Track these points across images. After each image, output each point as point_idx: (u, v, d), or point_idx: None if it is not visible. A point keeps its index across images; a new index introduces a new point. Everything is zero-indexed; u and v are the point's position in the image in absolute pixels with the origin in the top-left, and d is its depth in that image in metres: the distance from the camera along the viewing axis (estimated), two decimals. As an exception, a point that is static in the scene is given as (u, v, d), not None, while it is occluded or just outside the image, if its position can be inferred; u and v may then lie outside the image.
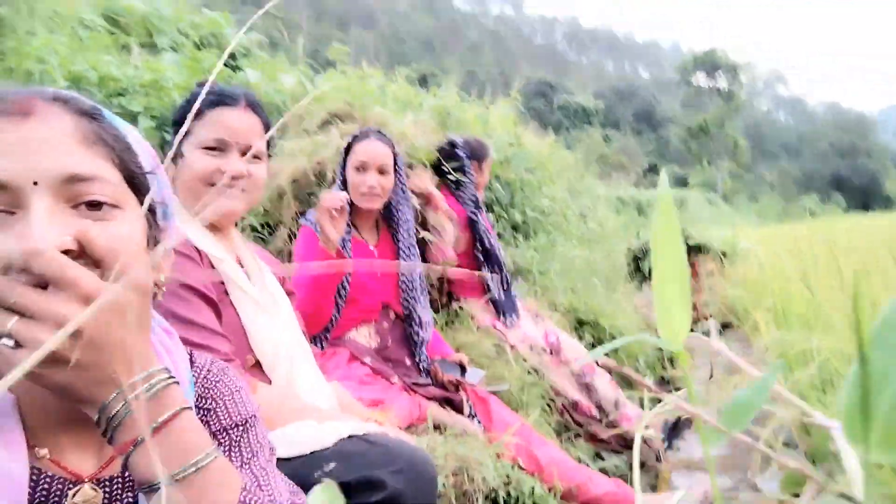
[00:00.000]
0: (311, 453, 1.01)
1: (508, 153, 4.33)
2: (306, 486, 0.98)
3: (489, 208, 3.67)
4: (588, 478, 1.88)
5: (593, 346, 3.36)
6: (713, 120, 51.72)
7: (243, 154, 1.27)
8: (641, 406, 3.24)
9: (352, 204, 2.00)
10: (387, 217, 2.13)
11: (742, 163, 54.31)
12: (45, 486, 0.58)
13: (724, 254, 5.11)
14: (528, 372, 2.49)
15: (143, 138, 0.68)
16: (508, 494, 1.71)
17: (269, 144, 1.36)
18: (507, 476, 1.73)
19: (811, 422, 0.29)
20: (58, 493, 0.59)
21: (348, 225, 1.98)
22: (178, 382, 0.57)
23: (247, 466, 0.72)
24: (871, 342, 0.21)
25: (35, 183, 0.54)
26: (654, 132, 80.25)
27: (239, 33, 0.60)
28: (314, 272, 1.81)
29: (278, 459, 0.97)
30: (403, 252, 2.07)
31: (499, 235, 3.46)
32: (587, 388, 2.65)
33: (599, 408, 2.62)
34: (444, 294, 2.82)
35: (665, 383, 3.86)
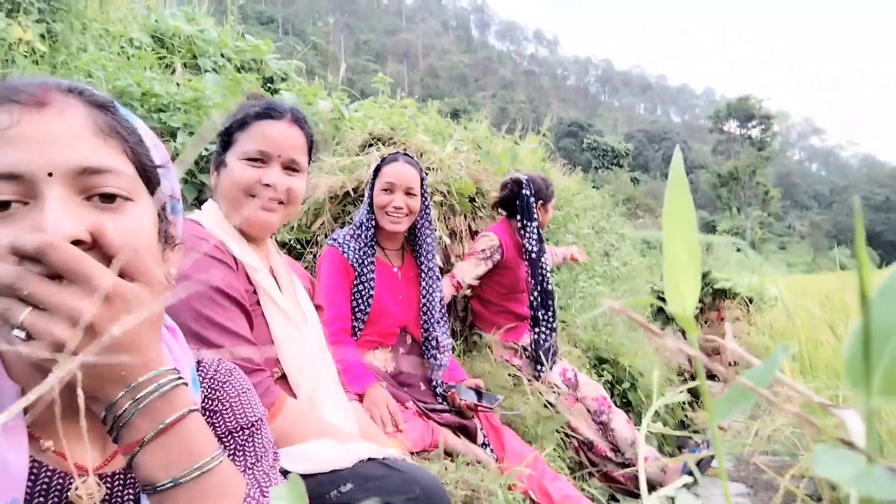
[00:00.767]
0: (329, 472, 1.01)
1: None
2: (321, 504, 0.98)
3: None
4: (600, 517, 1.84)
5: (612, 384, 3.30)
6: (744, 167, 51.35)
7: (285, 167, 1.28)
8: (659, 447, 3.17)
9: (377, 225, 2.02)
10: (411, 241, 2.15)
11: (772, 211, 53.61)
12: (46, 478, 0.58)
13: (750, 300, 5.02)
14: (544, 405, 2.46)
15: (179, 153, 0.69)
16: (518, 528, 1.68)
17: (310, 160, 1.38)
18: (518, 508, 1.70)
19: (819, 403, 0.29)
20: (59, 486, 0.58)
21: (373, 246, 2.00)
22: (186, 384, 0.56)
23: (250, 471, 0.71)
24: (877, 293, 0.22)
25: (50, 174, 0.54)
26: (683, 176, 79.60)
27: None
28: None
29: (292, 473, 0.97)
30: (425, 275, 2.08)
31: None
32: (603, 427, 2.60)
33: (615, 448, 2.57)
34: (467, 324, 2.82)
35: (686, 427, 3.77)
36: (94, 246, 0.53)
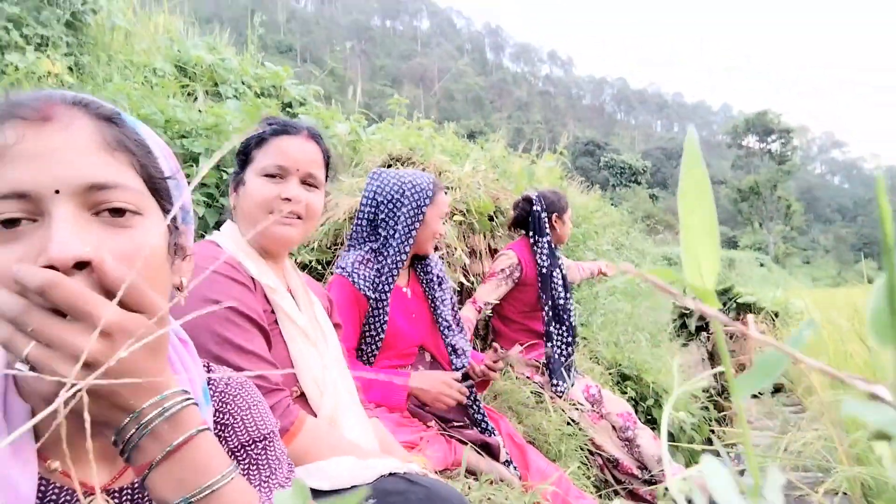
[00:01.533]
0: (350, 488, 1.00)
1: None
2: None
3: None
4: (627, 535, 1.81)
5: (636, 401, 3.26)
6: (765, 182, 50.81)
7: (303, 182, 1.29)
8: (687, 464, 3.10)
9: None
10: (416, 258, 2.14)
11: (795, 226, 52.85)
12: (54, 496, 0.59)
13: (776, 314, 4.93)
14: (568, 423, 2.43)
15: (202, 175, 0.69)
16: (543, 547, 1.65)
17: (327, 176, 1.39)
18: (543, 527, 1.68)
19: (847, 378, 0.29)
20: (66, 502, 0.59)
21: (398, 273, 1.95)
22: (196, 403, 0.56)
23: (266, 484, 0.71)
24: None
25: (56, 191, 0.53)
26: (702, 192, 78.99)
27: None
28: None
29: (315, 491, 0.97)
30: (430, 286, 2.06)
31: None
32: (629, 442, 2.57)
33: (641, 465, 2.53)
34: (488, 343, 2.81)
35: (710, 442, 3.69)
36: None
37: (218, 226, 2.34)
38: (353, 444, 1.20)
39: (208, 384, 0.75)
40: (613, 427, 2.61)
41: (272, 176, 1.27)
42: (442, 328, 2.02)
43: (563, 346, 2.62)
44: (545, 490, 1.76)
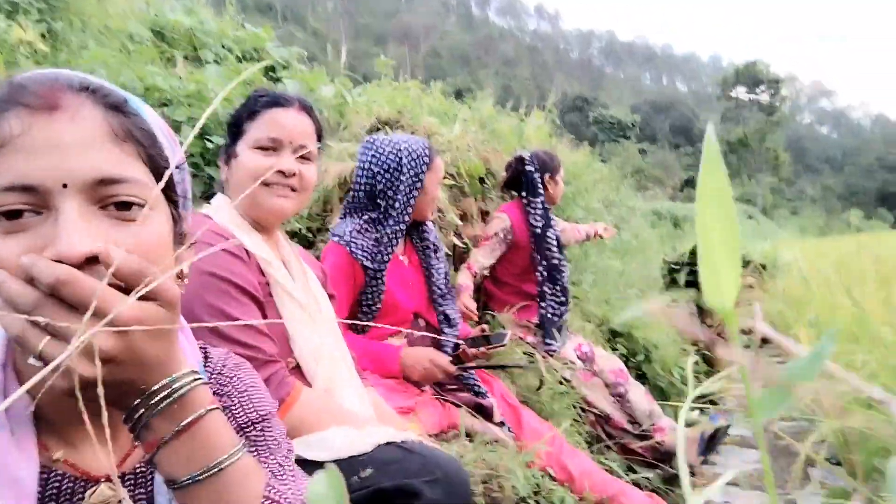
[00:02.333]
0: (348, 458, 1.02)
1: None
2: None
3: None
4: (620, 490, 1.85)
5: (626, 357, 3.31)
6: (754, 134, 50.73)
7: (296, 154, 1.29)
8: (676, 418, 3.18)
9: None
10: (413, 225, 2.12)
11: (783, 177, 53.03)
12: (56, 485, 0.59)
13: (763, 267, 4.98)
14: (560, 382, 2.47)
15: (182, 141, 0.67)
16: (538, 503, 1.70)
17: (319, 148, 1.40)
18: (538, 485, 1.72)
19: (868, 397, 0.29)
20: (69, 492, 0.60)
21: (398, 243, 1.94)
22: (206, 383, 0.57)
23: (264, 464, 0.72)
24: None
25: (64, 185, 0.52)
26: (691, 146, 78.99)
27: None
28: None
29: (314, 463, 0.99)
30: (426, 254, 2.06)
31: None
32: (620, 398, 2.62)
33: (632, 420, 2.59)
34: (480, 305, 2.83)
35: (701, 397, 3.77)
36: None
37: (204, 196, 2.31)
38: (350, 413, 1.22)
39: (205, 366, 0.75)
40: (606, 384, 2.66)
41: (265, 149, 1.27)
42: (435, 296, 2.02)
43: (557, 307, 2.65)
44: (539, 449, 1.80)
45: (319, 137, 1.37)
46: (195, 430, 0.54)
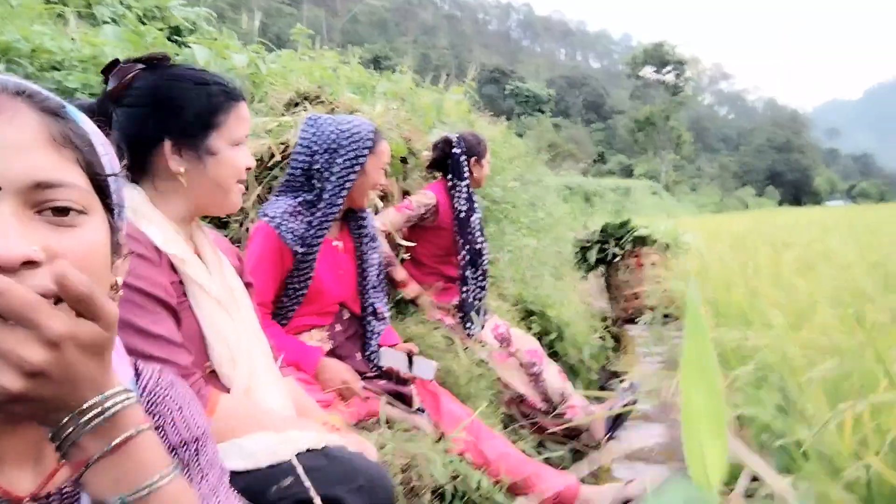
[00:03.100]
0: (269, 467, 0.98)
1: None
2: (262, 501, 0.96)
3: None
4: (535, 471, 1.92)
5: (540, 336, 3.41)
6: (659, 112, 53.08)
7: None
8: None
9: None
10: (350, 210, 2.06)
11: (685, 155, 56.03)
12: None
13: (667, 245, 5.26)
14: (477, 364, 2.51)
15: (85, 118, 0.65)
16: (456, 489, 1.73)
17: None
18: (455, 470, 1.74)
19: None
20: None
21: (329, 226, 1.87)
22: (138, 402, 0.56)
23: (195, 487, 0.70)
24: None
25: (0, 188, 0.51)
26: (602, 122, 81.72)
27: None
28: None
29: (233, 473, 0.94)
30: (363, 243, 2.01)
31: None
32: (535, 378, 2.70)
33: (546, 399, 2.67)
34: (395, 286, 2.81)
35: (608, 373, 3.97)
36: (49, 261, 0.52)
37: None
38: (271, 416, 1.17)
39: (136, 383, 0.72)
40: (521, 363, 2.73)
41: (237, 145, 1.25)
42: (367, 287, 1.98)
43: (478, 291, 2.67)
44: (457, 437, 1.83)
45: None
46: (126, 449, 0.53)
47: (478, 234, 2.67)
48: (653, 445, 2.43)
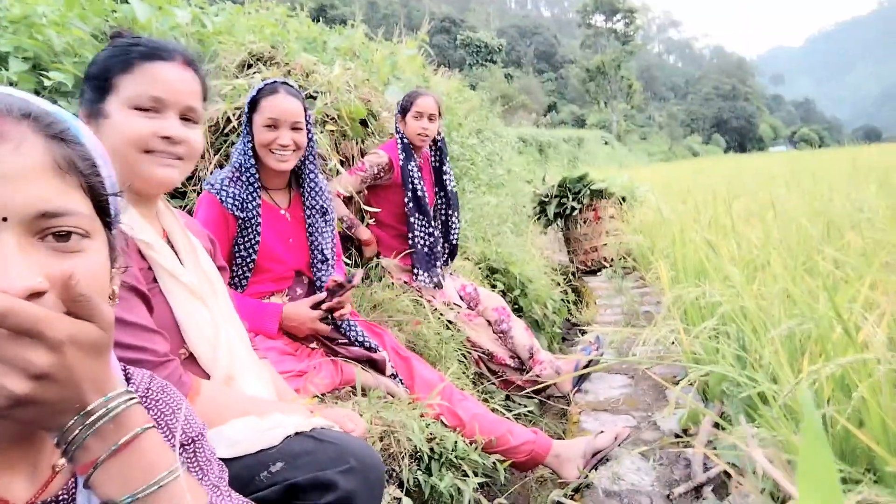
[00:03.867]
0: (256, 453, 0.97)
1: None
2: (251, 488, 0.95)
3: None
4: (508, 429, 1.96)
5: (504, 293, 3.45)
6: (610, 62, 53.11)
7: (182, 117, 1.13)
8: (549, 347, 3.40)
9: (260, 162, 1.88)
10: (296, 178, 2.01)
11: (635, 104, 56.50)
12: None
13: (623, 199, 5.34)
14: (446, 326, 2.53)
15: (16, 83, 0.63)
16: (432, 450, 1.76)
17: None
18: (431, 433, 1.77)
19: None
20: None
21: (258, 188, 1.85)
22: (140, 403, 0.58)
23: None
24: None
25: (4, 219, 0.52)
26: (554, 71, 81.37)
27: None
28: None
29: (220, 461, 0.93)
30: (312, 215, 1.97)
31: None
32: (503, 335, 2.74)
33: (514, 355, 2.73)
34: (362, 245, 2.78)
35: (572, 325, 4.06)
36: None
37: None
38: (254, 401, 1.15)
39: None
40: (489, 322, 2.76)
41: (145, 109, 1.09)
42: (315, 261, 1.95)
43: (425, 237, 2.67)
44: (432, 402, 1.85)
45: (205, 97, 1.21)
46: (132, 449, 0.55)
47: (417, 181, 2.66)
48: (617, 396, 2.52)
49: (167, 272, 1.11)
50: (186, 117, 1.14)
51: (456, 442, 1.80)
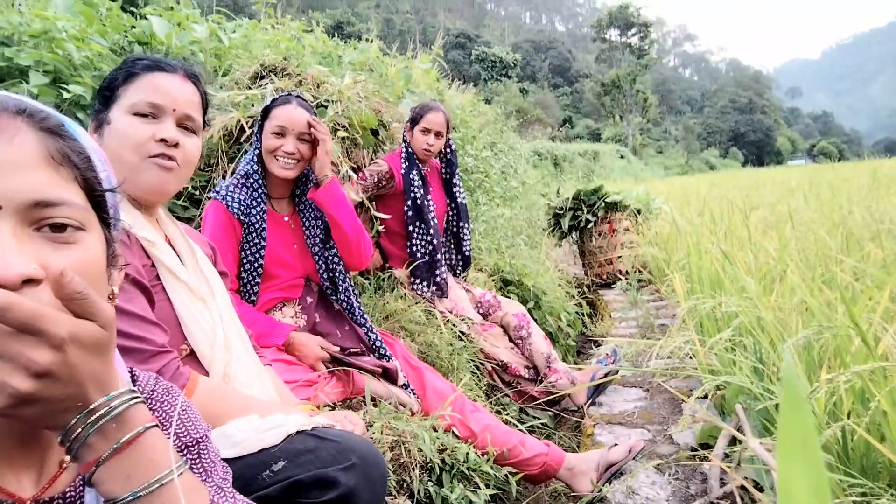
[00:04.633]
0: (258, 452, 0.97)
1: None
2: (254, 487, 0.95)
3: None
4: (520, 440, 1.94)
5: (518, 305, 3.42)
6: (625, 76, 53.09)
7: (179, 125, 1.16)
8: (564, 359, 3.37)
9: (265, 170, 1.91)
10: (298, 188, 2.04)
11: (651, 118, 56.35)
12: None
13: (638, 211, 5.30)
14: (459, 337, 2.51)
15: (37, 96, 0.65)
16: (443, 461, 1.74)
17: (205, 122, 1.26)
18: (443, 444, 1.76)
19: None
20: None
21: (263, 195, 1.87)
22: (143, 402, 0.58)
23: None
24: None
25: (0, 207, 0.53)
26: (569, 86, 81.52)
27: None
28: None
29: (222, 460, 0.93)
30: (309, 227, 1.99)
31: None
32: (522, 341, 2.72)
33: (528, 365, 2.69)
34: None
35: (587, 339, 4.03)
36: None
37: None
38: (253, 400, 1.16)
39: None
40: (511, 326, 2.74)
41: (144, 115, 1.13)
42: (318, 264, 1.99)
43: (425, 245, 2.67)
44: (444, 411, 1.83)
45: (205, 110, 1.24)
46: (135, 447, 0.55)
47: (417, 189, 2.66)
48: (632, 409, 2.48)
49: (168, 269, 1.14)
50: (184, 125, 1.18)
51: (467, 453, 1.79)
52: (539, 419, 2.58)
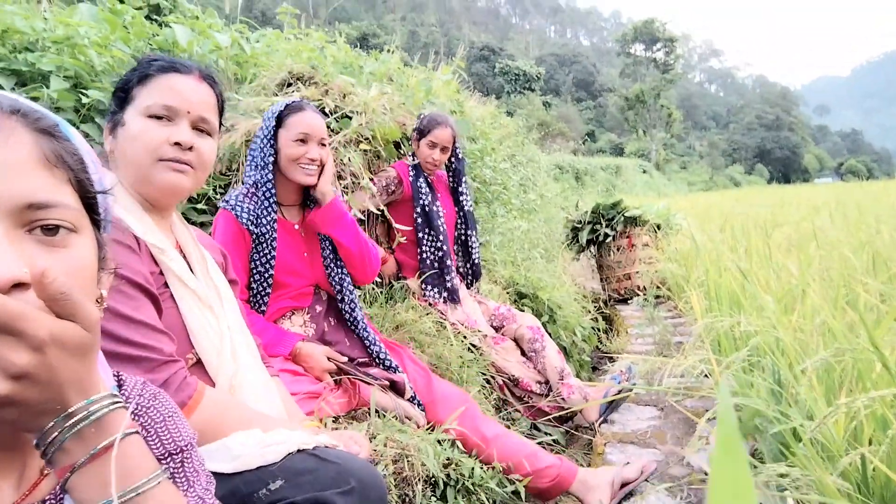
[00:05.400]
0: (257, 469, 0.95)
1: (451, 122, 4.24)
2: (250, 504, 0.93)
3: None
4: (532, 452, 1.90)
5: (532, 319, 3.38)
6: (649, 91, 52.82)
7: (194, 126, 1.15)
8: (577, 375, 3.31)
9: (276, 180, 1.88)
10: (308, 195, 2.03)
11: (675, 133, 55.93)
12: None
13: (658, 226, 5.24)
14: (469, 349, 2.48)
15: (57, 101, 0.64)
16: (448, 476, 1.71)
17: (220, 123, 1.25)
18: (448, 458, 1.73)
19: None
20: None
21: (274, 204, 1.85)
22: (125, 407, 0.57)
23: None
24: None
25: None
26: (592, 100, 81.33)
27: None
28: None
29: (220, 475, 0.91)
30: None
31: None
32: (535, 354, 2.68)
33: (540, 380, 2.65)
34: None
35: (603, 354, 3.96)
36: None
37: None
38: (258, 414, 1.14)
39: (119, 392, 0.71)
40: (525, 339, 2.70)
41: (159, 118, 1.12)
42: (329, 271, 1.98)
43: (434, 251, 2.66)
44: (452, 421, 1.80)
45: (221, 112, 1.23)
46: (111, 453, 0.53)
47: (425, 196, 2.65)
48: (645, 428, 2.42)
49: (176, 276, 1.12)
50: (199, 128, 1.16)
51: (473, 468, 1.75)
52: (550, 435, 2.53)
